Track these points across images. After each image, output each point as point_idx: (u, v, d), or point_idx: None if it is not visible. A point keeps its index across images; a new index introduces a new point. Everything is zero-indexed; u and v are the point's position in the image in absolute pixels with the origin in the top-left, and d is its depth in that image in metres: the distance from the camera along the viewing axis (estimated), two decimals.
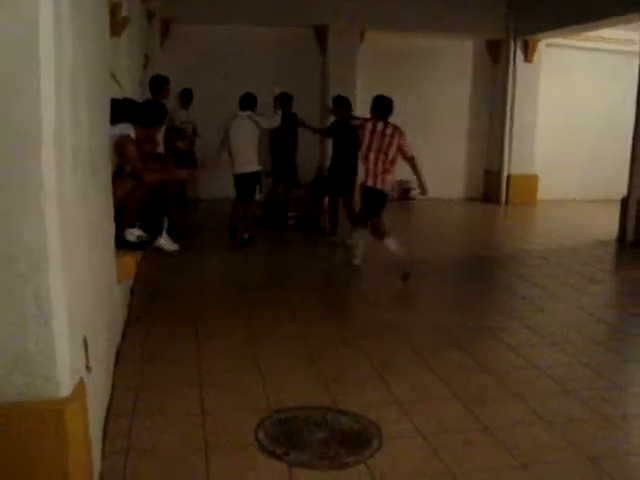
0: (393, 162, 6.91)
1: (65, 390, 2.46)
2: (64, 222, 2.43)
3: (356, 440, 3.44)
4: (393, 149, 6.82)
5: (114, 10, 4.61)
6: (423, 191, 6.96)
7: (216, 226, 9.38)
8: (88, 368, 2.84)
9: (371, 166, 6.88)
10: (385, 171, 6.86)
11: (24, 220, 2.28)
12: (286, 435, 3.46)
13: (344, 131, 8.32)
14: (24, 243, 2.30)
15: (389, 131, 6.85)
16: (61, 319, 2.42)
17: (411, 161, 6.93)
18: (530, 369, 4.59)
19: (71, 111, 2.61)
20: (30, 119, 2.23)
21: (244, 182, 8.34)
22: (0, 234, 2.28)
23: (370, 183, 6.91)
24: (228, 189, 10.46)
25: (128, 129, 4.73)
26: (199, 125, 10.32)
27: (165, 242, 5.27)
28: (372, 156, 6.86)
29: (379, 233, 6.93)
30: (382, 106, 7.00)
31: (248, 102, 8.38)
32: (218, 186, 11.41)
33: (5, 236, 2.28)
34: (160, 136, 7.67)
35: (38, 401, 2.41)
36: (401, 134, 6.85)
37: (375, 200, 6.93)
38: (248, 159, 8.27)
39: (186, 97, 10.27)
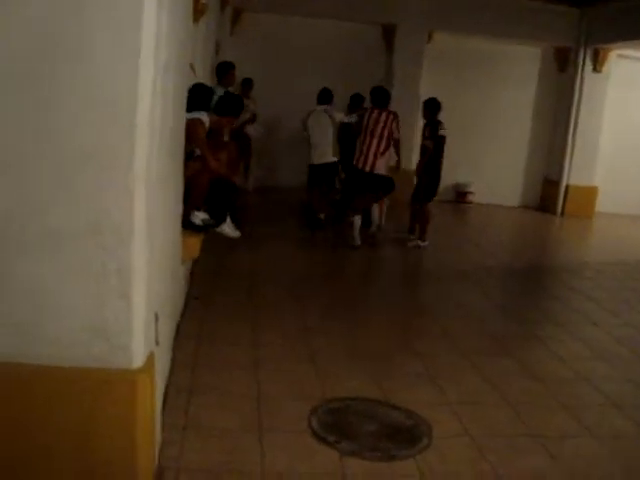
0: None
1: (138, 361, 2.59)
2: (149, 201, 2.55)
3: (406, 435, 3.51)
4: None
5: None
6: (398, 166, 8.26)
7: (275, 215, 9.54)
8: (157, 342, 2.98)
9: (365, 149, 7.95)
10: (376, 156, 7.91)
11: (113, 198, 2.41)
12: (338, 424, 3.55)
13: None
14: (112, 219, 2.43)
15: (384, 117, 7.94)
16: (140, 293, 2.54)
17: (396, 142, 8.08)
18: (579, 381, 4.59)
19: (161, 97, 2.74)
20: (127, 103, 2.35)
21: (321, 172, 8.88)
22: (90, 210, 2.41)
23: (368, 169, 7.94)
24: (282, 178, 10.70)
25: (202, 116, 4.86)
26: (259, 114, 10.54)
27: (228, 228, 5.40)
28: (368, 140, 7.92)
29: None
30: (376, 94, 8.19)
31: (325, 97, 8.94)
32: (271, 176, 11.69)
33: (95, 212, 2.41)
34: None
35: (113, 369, 2.55)
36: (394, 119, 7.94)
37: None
38: (325, 150, 8.77)
39: (246, 86, 10.50)
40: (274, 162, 12.17)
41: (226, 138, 7.56)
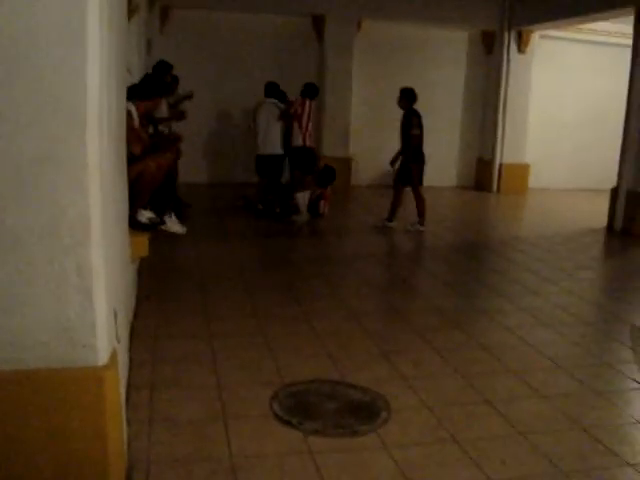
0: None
1: (104, 358, 2.62)
2: (104, 199, 2.59)
3: (366, 411, 3.64)
4: None
5: None
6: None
7: (211, 208, 9.56)
8: (118, 339, 3.02)
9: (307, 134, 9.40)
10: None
11: (69, 196, 2.43)
12: (299, 406, 3.65)
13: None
14: (69, 218, 2.45)
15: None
16: (101, 290, 2.58)
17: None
18: (525, 347, 4.82)
19: (107, 93, 2.77)
20: (77, 101, 2.37)
21: (267, 163, 9.37)
22: (47, 209, 2.43)
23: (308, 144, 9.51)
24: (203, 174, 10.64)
25: (129, 106, 4.83)
26: (190, 110, 10.45)
27: (174, 225, 5.42)
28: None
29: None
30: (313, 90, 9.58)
31: (273, 90, 9.50)
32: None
33: (51, 211, 2.43)
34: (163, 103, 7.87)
35: (79, 368, 2.57)
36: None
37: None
38: (272, 142, 9.35)
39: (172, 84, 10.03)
40: (218, 158, 12.16)
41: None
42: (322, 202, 9.39)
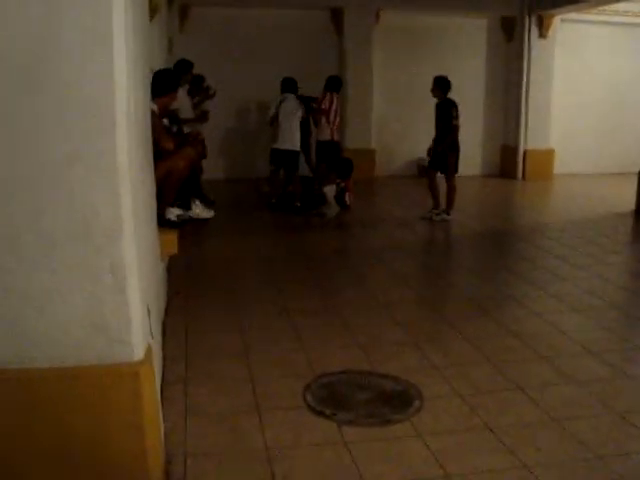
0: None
1: (139, 353, 2.68)
2: (134, 198, 2.64)
3: (398, 400, 3.66)
4: None
5: None
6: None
7: (233, 204, 9.64)
8: (152, 334, 3.07)
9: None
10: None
11: (101, 196, 2.48)
12: (332, 397, 3.69)
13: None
14: (101, 218, 2.50)
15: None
16: (134, 287, 2.63)
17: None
18: (556, 333, 4.80)
19: (134, 93, 2.81)
20: (106, 101, 2.41)
21: (284, 157, 9.41)
22: (79, 210, 2.48)
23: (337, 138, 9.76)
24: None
25: (151, 106, 4.87)
26: (213, 109, 10.54)
27: (201, 211, 5.44)
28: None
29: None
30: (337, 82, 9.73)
31: (293, 85, 9.48)
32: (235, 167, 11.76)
33: (84, 212, 2.48)
34: (187, 103, 7.98)
35: (115, 364, 2.63)
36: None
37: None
38: (291, 137, 9.39)
39: (197, 83, 9.67)
40: (237, 154, 12.22)
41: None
42: (347, 194, 9.40)
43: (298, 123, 9.41)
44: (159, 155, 4.93)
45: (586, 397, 3.78)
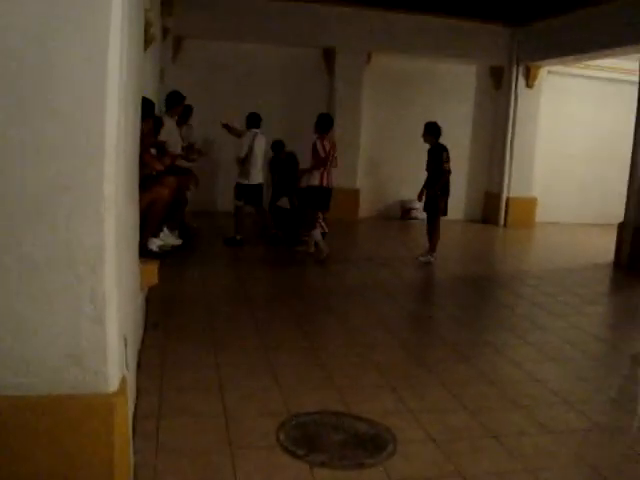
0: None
1: (114, 385, 2.65)
2: (118, 228, 2.64)
3: (372, 444, 3.63)
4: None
5: (146, 28, 4.84)
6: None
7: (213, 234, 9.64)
8: (127, 366, 3.04)
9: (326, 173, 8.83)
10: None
11: (85, 225, 2.48)
12: (306, 437, 3.65)
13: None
14: (84, 247, 2.50)
15: (331, 142, 8.96)
16: (112, 318, 2.62)
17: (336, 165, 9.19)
18: (532, 382, 4.81)
19: (124, 126, 2.83)
20: (96, 133, 2.44)
21: (258, 192, 9.50)
22: (62, 238, 2.48)
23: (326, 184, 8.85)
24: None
25: None
26: (202, 140, 10.62)
27: (167, 237, 5.39)
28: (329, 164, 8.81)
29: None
30: (325, 122, 8.97)
31: (259, 120, 9.40)
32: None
33: (67, 240, 2.48)
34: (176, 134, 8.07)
35: (90, 394, 2.60)
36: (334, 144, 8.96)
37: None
38: (260, 171, 9.52)
39: (186, 113, 9.70)
40: (213, 187, 12.21)
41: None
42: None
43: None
44: (143, 185, 4.94)
45: (559, 448, 3.78)
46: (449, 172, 8.95)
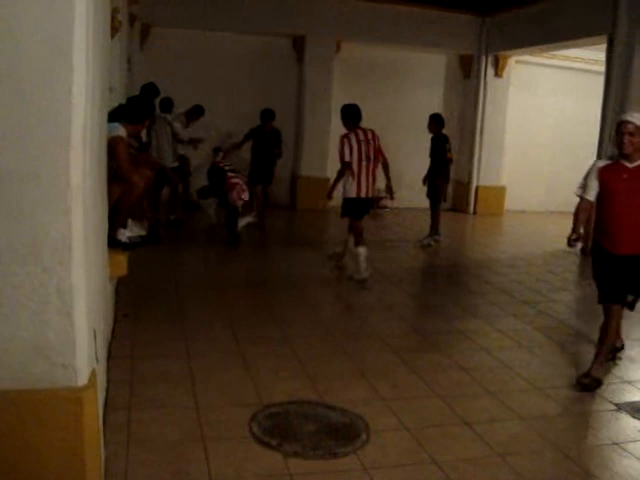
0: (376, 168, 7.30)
1: (83, 378, 2.60)
2: (86, 219, 2.58)
3: (345, 432, 3.64)
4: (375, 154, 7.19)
5: (112, 14, 4.74)
6: (392, 196, 7.78)
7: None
8: (97, 359, 2.99)
9: (363, 178, 7.11)
10: (375, 179, 7.31)
11: (52, 216, 2.42)
12: (279, 428, 3.64)
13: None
14: (50, 238, 2.44)
15: (370, 136, 7.18)
16: (81, 310, 2.56)
17: (387, 163, 7.54)
18: (502, 369, 4.86)
19: (91, 114, 2.77)
20: (62, 119, 2.37)
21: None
22: (28, 229, 2.41)
23: (364, 194, 7.17)
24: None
25: (117, 129, 4.79)
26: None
27: (134, 228, 5.25)
28: (364, 165, 7.08)
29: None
30: (355, 113, 7.24)
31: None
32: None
33: (33, 231, 2.42)
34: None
35: (58, 388, 2.55)
36: (378, 137, 7.30)
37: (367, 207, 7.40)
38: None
39: (165, 106, 9.61)
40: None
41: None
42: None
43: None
44: (114, 175, 4.85)
45: (531, 433, 3.83)
46: (451, 160, 9.57)
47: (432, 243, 9.61)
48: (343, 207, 7.28)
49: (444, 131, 9.54)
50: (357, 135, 7.09)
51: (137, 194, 4.75)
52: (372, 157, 7.11)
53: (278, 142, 10.00)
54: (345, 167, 7.07)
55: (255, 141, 9.91)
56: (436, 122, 9.50)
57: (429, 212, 9.81)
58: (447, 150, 9.41)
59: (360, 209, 7.25)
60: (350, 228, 7.39)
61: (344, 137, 7.13)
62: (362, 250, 7.09)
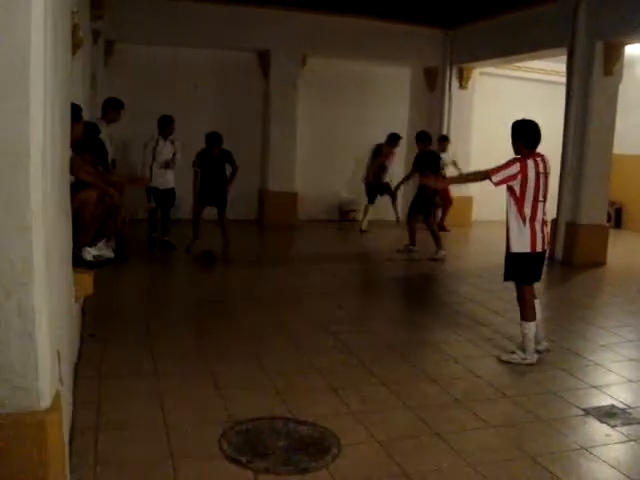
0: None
1: (46, 401, 2.54)
2: (48, 238, 2.54)
3: (316, 447, 3.62)
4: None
5: (74, 31, 4.70)
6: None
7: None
8: (61, 381, 2.94)
9: (538, 225, 5.16)
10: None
11: (12, 236, 2.38)
12: (249, 444, 3.61)
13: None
14: (10, 258, 2.40)
15: (549, 168, 5.24)
16: (43, 332, 2.51)
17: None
18: (473, 378, 4.89)
19: (51, 131, 2.73)
20: (20, 138, 2.33)
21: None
22: None
23: (541, 248, 5.20)
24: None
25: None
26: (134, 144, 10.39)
27: (99, 250, 5.20)
28: (539, 208, 5.14)
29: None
30: (533, 132, 5.24)
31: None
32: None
33: None
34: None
35: (20, 412, 2.49)
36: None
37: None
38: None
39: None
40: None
41: None
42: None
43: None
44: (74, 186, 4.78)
45: (501, 441, 3.86)
46: (444, 177, 9.91)
47: (443, 255, 9.87)
48: (507, 266, 5.36)
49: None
50: (537, 165, 5.09)
51: (92, 208, 4.67)
52: (548, 196, 5.22)
53: (231, 162, 9.24)
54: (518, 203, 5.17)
55: (203, 164, 9.19)
56: (424, 140, 10.01)
57: (426, 229, 10.03)
58: (440, 167, 9.96)
59: (533, 269, 5.33)
60: (518, 298, 5.34)
61: (519, 161, 5.14)
62: (531, 326, 5.27)
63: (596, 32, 9.41)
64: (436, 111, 13.43)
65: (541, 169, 5.07)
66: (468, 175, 5.46)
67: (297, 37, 11.98)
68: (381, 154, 12.04)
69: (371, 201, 12.15)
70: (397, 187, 11.42)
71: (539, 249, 5.14)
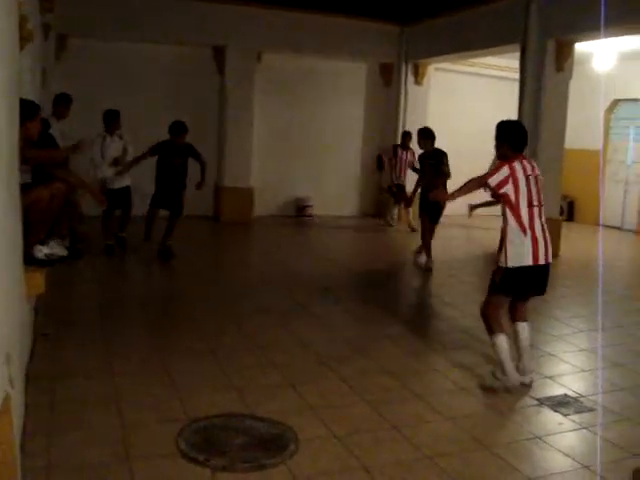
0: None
1: None
2: None
3: (274, 444, 3.61)
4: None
5: (21, 23, 4.57)
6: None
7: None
8: (11, 384, 2.86)
9: (539, 232, 4.62)
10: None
11: None
12: (206, 442, 3.58)
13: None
14: None
15: (537, 171, 4.77)
16: None
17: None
18: (430, 372, 4.95)
19: None
20: None
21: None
22: None
23: (544, 260, 4.64)
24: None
25: None
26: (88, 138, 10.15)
27: (52, 248, 5.07)
28: (536, 213, 4.66)
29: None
30: (519, 134, 4.84)
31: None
32: None
33: None
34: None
35: None
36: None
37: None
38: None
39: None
40: None
41: None
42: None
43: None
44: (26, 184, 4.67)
45: (458, 433, 3.91)
46: (449, 176, 8.84)
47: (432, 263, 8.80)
48: (503, 278, 4.69)
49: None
50: (524, 167, 4.67)
51: (42, 206, 4.57)
52: (542, 201, 4.73)
53: (196, 156, 8.66)
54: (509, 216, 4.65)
55: (162, 157, 8.59)
56: (425, 137, 8.96)
57: (422, 231, 9.24)
58: (444, 164, 8.84)
59: (531, 283, 4.74)
60: (484, 307, 4.92)
61: (506, 164, 4.65)
62: (502, 339, 4.70)
63: (548, 30, 9.59)
64: (392, 107, 13.51)
65: (529, 171, 4.64)
66: (467, 184, 4.72)
67: (253, 33, 11.93)
68: (396, 155, 12.05)
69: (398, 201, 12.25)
70: (412, 197, 10.32)
71: (542, 261, 4.62)
